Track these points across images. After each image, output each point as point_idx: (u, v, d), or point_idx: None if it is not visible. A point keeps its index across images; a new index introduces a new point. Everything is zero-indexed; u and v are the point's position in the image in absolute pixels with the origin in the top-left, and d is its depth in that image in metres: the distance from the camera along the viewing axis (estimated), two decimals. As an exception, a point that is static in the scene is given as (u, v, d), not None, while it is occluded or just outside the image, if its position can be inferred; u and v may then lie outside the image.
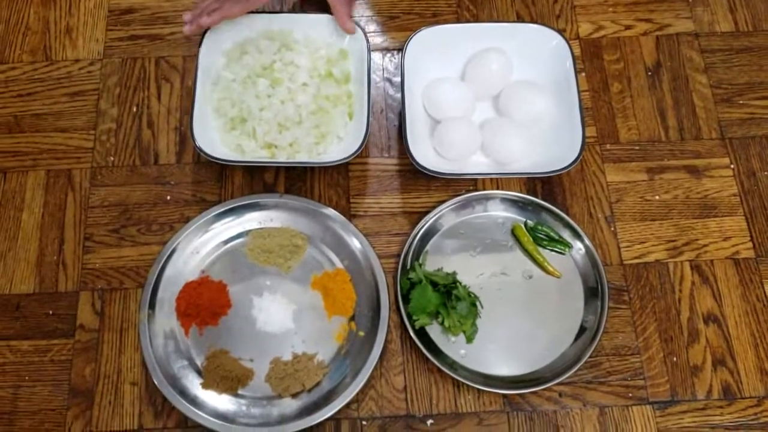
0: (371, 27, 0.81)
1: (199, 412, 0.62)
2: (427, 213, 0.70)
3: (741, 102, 0.78)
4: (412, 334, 0.65)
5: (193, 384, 0.64)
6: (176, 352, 0.65)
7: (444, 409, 0.64)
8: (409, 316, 0.65)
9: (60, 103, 0.77)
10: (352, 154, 0.67)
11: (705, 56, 0.80)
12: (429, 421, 0.64)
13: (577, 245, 0.70)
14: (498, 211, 0.71)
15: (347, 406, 0.63)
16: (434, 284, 0.66)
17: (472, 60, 0.75)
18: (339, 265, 0.69)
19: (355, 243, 0.68)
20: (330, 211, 0.69)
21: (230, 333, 0.66)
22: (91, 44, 0.80)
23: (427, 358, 0.64)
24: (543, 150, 0.71)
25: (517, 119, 0.73)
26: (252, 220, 0.70)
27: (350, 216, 0.71)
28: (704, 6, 0.82)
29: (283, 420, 0.62)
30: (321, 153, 0.71)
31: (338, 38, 0.75)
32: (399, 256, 0.69)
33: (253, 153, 0.70)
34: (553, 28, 0.74)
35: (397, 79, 0.78)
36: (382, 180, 0.74)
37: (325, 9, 0.74)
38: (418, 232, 0.69)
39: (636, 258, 0.70)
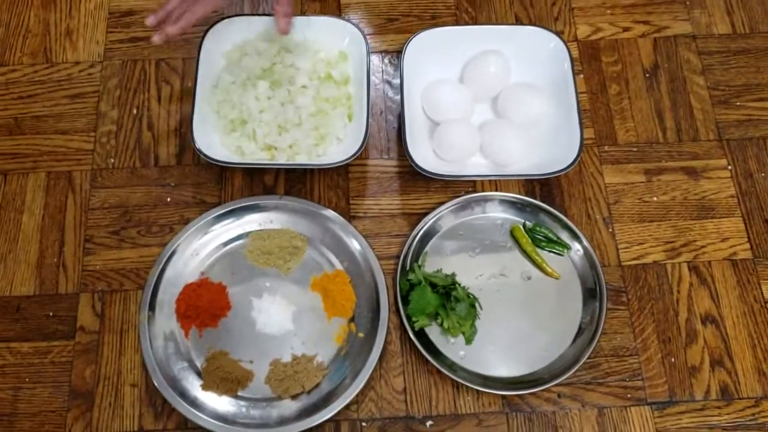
0: (370, 29, 0.81)
1: (199, 414, 0.62)
2: (426, 214, 0.71)
3: (738, 104, 0.78)
4: (411, 335, 0.65)
5: (193, 385, 0.64)
6: (176, 353, 0.65)
7: (443, 410, 0.65)
8: (409, 318, 0.66)
9: (60, 105, 0.77)
10: (352, 156, 0.67)
11: (702, 58, 0.80)
12: (428, 423, 0.64)
13: (576, 246, 0.70)
14: (497, 213, 0.72)
15: (347, 407, 0.63)
16: (433, 285, 0.67)
17: (470, 62, 0.75)
18: (339, 266, 0.69)
19: (355, 244, 0.68)
20: (330, 213, 0.70)
21: (230, 335, 0.66)
22: (92, 46, 0.80)
23: (427, 360, 0.64)
24: (541, 152, 0.72)
25: (516, 121, 0.73)
26: (252, 222, 0.71)
27: (350, 217, 0.72)
28: (702, 8, 0.83)
29: (283, 421, 0.62)
30: (321, 155, 0.71)
31: (338, 40, 0.75)
32: (398, 257, 0.69)
33: (253, 155, 0.71)
34: (551, 30, 0.74)
35: (397, 81, 0.78)
36: (382, 181, 0.74)
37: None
38: (417, 234, 0.69)
39: (634, 259, 0.71)
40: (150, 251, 0.70)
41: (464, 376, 0.64)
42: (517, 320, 0.67)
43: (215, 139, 0.71)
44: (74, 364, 0.66)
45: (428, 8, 0.82)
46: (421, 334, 0.66)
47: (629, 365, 0.66)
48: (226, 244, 0.70)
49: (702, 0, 0.83)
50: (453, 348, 0.66)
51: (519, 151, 0.71)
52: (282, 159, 0.70)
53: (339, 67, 0.75)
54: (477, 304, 0.67)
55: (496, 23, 0.81)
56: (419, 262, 0.69)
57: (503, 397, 0.65)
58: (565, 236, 0.70)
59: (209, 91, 0.73)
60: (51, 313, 0.68)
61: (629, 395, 0.65)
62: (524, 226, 0.71)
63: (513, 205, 0.71)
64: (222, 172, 0.74)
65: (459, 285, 0.67)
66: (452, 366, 0.65)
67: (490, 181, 0.73)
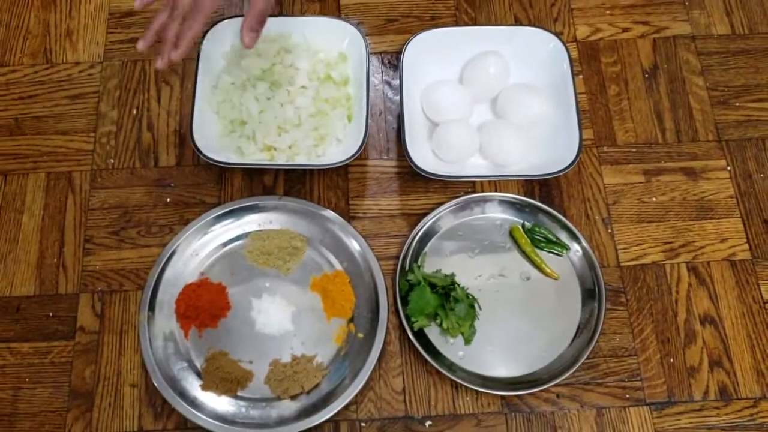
0: (370, 30, 0.81)
1: (199, 414, 0.62)
2: (425, 215, 0.71)
3: (737, 104, 0.78)
4: (410, 335, 0.65)
5: (193, 386, 0.64)
6: (176, 354, 0.65)
7: (442, 410, 0.65)
8: (408, 318, 0.66)
9: (60, 106, 0.77)
10: (351, 157, 0.68)
11: (702, 59, 0.80)
12: (427, 423, 0.64)
13: (575, 247, 0.70)
14: (496, 213, 0.72)
15: (346, 407, 0.63)
16: (433, 286, 0.67)
17: (470, 63, 0.75)
18: (338, 266, 0.69)
19: (354, 245, 0.69)
20: (329, 213, 0.70)
21: (229, 335, 0.66)
22: (92, 47, 0.80)
23: (426, 360, 0.64)
24: (540, 152, 0.72)
25: (515, 122, 0.73)
26: (251, 222, 0.71)
27: (349, 218, 0.72)
28: (701, 9, 0.83)
29: (282, 422, 0.62)
30: (320, 155, 0.71)
31: (337, 41, 0.75)
32: (398, 257, 0.69)
33: (253, 155, 0.71)
34: (550, 31, 0.74)
35: (396, 82, 0.78)
36: (381, 182, 0.74)
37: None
38: (416, 234, 0.70)
39: (633, 260, 0.71)
40: (150, 252, 0.70)
41: (463, 377, 0.64)
42: (516, 321, 0.67)
43: (215, 140, 0.72)
44: (74, 364, 0.66)
45: (428, 9, 0.83)
46: (421, 335, 0.66)
47: (628, 366, 0.67)
48: (225, 244, 0.70)
49: (701, 1, 0.83)
50: (452, 348, 0.66)
51: (518, 152, 0.72)
52: (281, 159, 0.70)
53: (338, 67, 0.75)
54: (476, 305, 0.67)
55: (496, 24, 0.81)
56: (418, 263, 0.69)
57: (502, 397, 0.65)
58: (564, 237, 0.70)
59: (209, 91, 0.73)
60: (51, 314, 0.68)
61: (628, 395, 0.65)
62: (523, 226, 0.71)
63: (512, 205, 0.72)
64: (221, 172, 0.74)
65: (458, 285, 0.67)
66: (451, 366, 0.65)
67: (489, 181, 0.73)
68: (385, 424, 0.64)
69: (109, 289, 0.69)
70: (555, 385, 0.65)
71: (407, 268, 0.68)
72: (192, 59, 0.78)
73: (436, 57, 0.75)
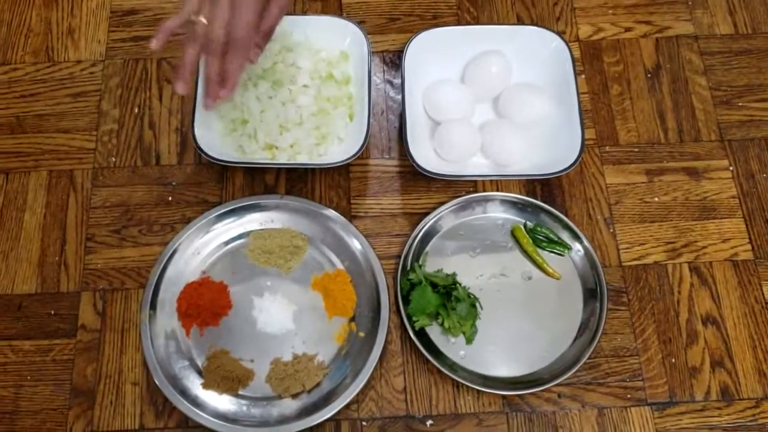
0: (372, 29, 0.81)
1: (200, 413, 0.62)
2: (427, 214, 0.71)
3: (740, 104, 0.78)
4: (412, 335, 0.65)
5: (194, 384, 0.64)
6: (177, 352, 0.65)
7: (443, 409, 0.65)
8: (409, 317, 0.66)
9: (62, 104, 0.77)
10: (353, 156, 0.67)
11: (704, 58, 0.80)
12: (429, 422, 0.64)
13: (576, 247, 0.70)
14: (497, 213, 0.72)
15: (347, 406, 0.63)
16: (434, 285, 0.67)
17: (472, 62, 0.75)
18: (339, 266, 0.69)
19: (356, 244, 0.69)
20: (330, 212, 0.70)
21: (231, 333, 0.66)
22: (93, 45, 0.80)
23: (427, 359, 0.64)
24: (542, 152, 0.72)
25: (517, 121, 0.73)
26: (253, 221, 0.71)
27: (351, 217, 0.72)
28: (704, 8, 0.83)
29: (284, 420, 0.62)
30: (322, 154, 0.71)
31: (339, 40, 0.75)
32: (399, 257, 0.69)
33: (254, 154, 0.71)
34: (552, 31, 0.74)
35: (398, 81, 0.78)
36: (383, 181, 0.74)
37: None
38: (418, 234, 0.69)
39: (635, 260, 0.71)
40: (151, 250, 0.70)
41: (464, 376, 0.64)
42: (517, 320, 0.67)
43: (216, 139, 0.72)
44: (75, 362, 0.66)
45: (430, 8, 0.82)
46: (422, 334, 0.66)
47: (629, 366, 0.66)
48: (227, 243, 0.70)
49: (704, 0, 0.83)
50: (453, 348, 0.66)
51: (520, 152, 0.71)
52: (283, 158, 0.70)
53: (340, 66, 0.75)
54: (477, 304, 0.67)
55: (498, 23, 0.81)
56: (420, 262, 0.69)
57: (503, 396, 0.65)
58: (565, 236, 0.70)
59: (211, 90, 0.73)
60: (52, 312, 0.68)
61: (629, 396, 0.65)
62: (525, 226, 0.71)
63: (514, 205, 0.71)
64: (223, 171, 0.74)
65: (459, 285, 0.67)
66: (452, 366, 0.65)
67: (491, 181, 0.73)
68: (386, 423, 0.64)
69: (110, 287, 0.69)
70: (556, 385, 0.64)
71: (409, 267, 0.68)
72: (194, 58, 0.78)
73: (438, 56, 0.75)
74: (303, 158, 0.70)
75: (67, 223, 0.72)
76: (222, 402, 0.64)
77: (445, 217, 0.71)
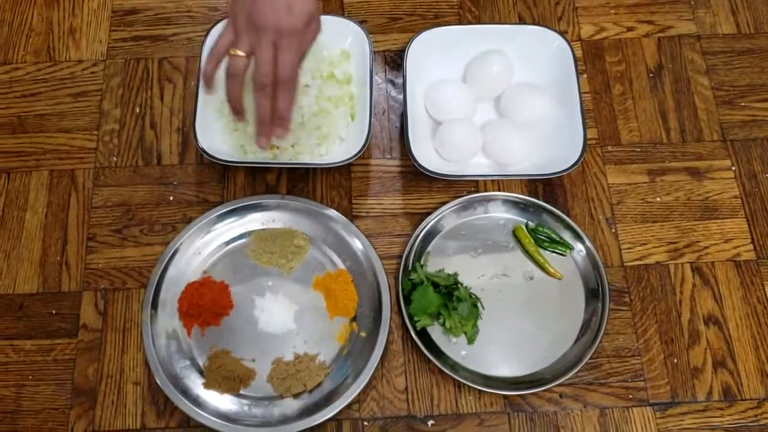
0: (373, 28, 0.81)
1: (202, 412, 0.62)
2: (428, 214, 0.71)
3: (742, 104, 0.78)
4: (413, 335, 0.65)
5: (196, 384, 0.64)
6: (178, 352, 0.65)
7: (445, 409, 0.65)
8: (411, 317, 0.66)
9: (63, 104, 0.77)
10: (354, 156, 0.67)
11: (707, 58, 0.80)
12: (430, 422, 0.64)
13: (578, 247, 0.70)
14: (499, 213, 0.72)
15: (348, 406, 0.63)
16: (435, 285, 0.66)
17: (473, 62, 0.75)
18: (341, 265, 0.69)
19: (357, 244, 0.68)
20: (332, 212, 0.70)
21: (232, 333, 0.66)
22: (95, 45, 0.80)
23: (429, 359, 0.64)
24: (544, 152, 0.72)
25: (519, 121, 0.73)
26: (254, 221, 0.71)
27: (352, 217, 0.72)
28: (706, 8, 0.83)
29: (285, 420, 0.62)
30: (323, 154, 0.71)
31: (340, 39, 0.75)
32: (400, 257, 0.69)
33: (256, 154, 0.71)
34: (554, 30, 0.74)
35: (399, 81, 0.78)
36: (384, 181, 0.74)
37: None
38: (419, 234, 0.69)
39: (637, 260, 0.71)
40: (152, 250, 0.70)
41: (466, 376, 0.64)
42: (519, 320, 0.67)
43: (218, 138, 0.71)
44: (77, 362, 0.66)
45: (431, 7, 0.82)
46: (423, 334, 0.66)
47: (631, 366, 0.66)
48: (228, 243, 0.70)
49: (706, 0, 0.83)
50: (455, 348, 0.66)
51: (522, 151, 0.71)
52: (284, 158, 0.70)
53: (342, 66, 0.74)
54: (479, 304, 0.67)
55: (500, 23, 0.81)
56: (421, 262, 0.68)
57: (505, 397, 0.65)
58: (567, 236, 0.70)
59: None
60: (54, 311, 0.68)
61: (631, 396, 0.65)
62: (527, 226, 0.71)
63: (515, 205, 0.71)
64: (224, 171, 0.74)
65: (461, 285, 0.67)
66: (454, 366, 0.65)
67: (492, 180, 0.73)
68: (388, 423, 0.64)
69: (111, 287, 0.69)
70: (558, 385, 0.64)
71: (410, 267, 0.68)
72: (195, 57, 0.78)
73: (440, 56, 0.74)
74: (304, 158, 0.70)
75: (68, 223, 0.72)
76: (223, 402, 0.64)
77: (447, 217, 0.71)
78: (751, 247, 0.71)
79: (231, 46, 0.57)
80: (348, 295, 0.67)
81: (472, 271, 0.69)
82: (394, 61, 0.79)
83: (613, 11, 0.82)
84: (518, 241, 0.70)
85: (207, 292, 0.67)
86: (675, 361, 0.67)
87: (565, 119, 0.71)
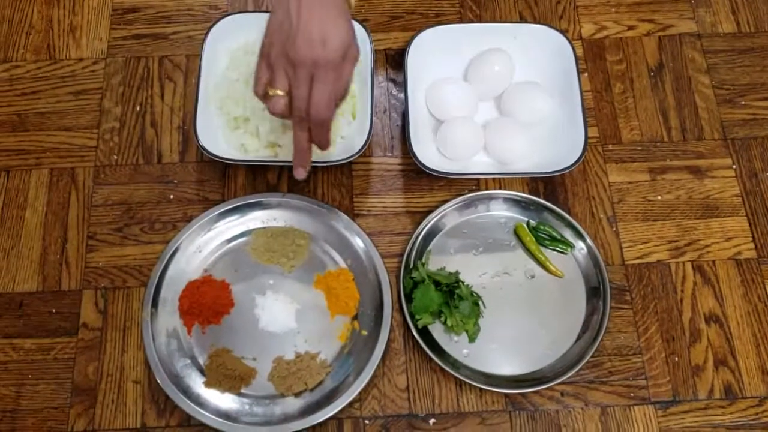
0: (374, 27, 0.81)
1: (202, 411, 0.62)
2: (430, 212, 0.70)
3: (743, 103, 0.78)
4: (414, 333, 0.65)
5: (196, 383, 0.64)
6: (179, 350, 0.65)
7: (446, 408, 0.65)
8: (412, 316, 0.65)
9: (63, 102, 0.77)
10: (356, 154, 0.67)
11: (707, 57, 0.80)
12: (431, 420, 0.64)
13: (579, 245, 0.70)
14: (500, 211, 0.72)
15: (350, 405, 0.63)
16: (437, 284, 0.66)
17: (474, 60, 0.75)
18: (342, 264, 0.69)
19: (359, 242, 0.68)
20: (333, 211, 0.69)
21: (233, 332, 0.66)
22: (95, 43, 0.80)
23: (430, 358, 0.64)
24: (545, 150, 0.72)
25: (520, 119, 0.73)
26: (255, 219, 0.70)
27: (353, 215, 0.71)
28: (707, 7, 0.83)
29: (286, 419, 0.62)
30: (324, 152, 0.71)
31: (341, 38, 0.75)
32: (402, 255, 0.69)
33: (257, 152, 0.71)
34: (555, 29, 0.74)
35: (400, 79, 0.78)
36: (386, 179, 0.74)
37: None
38: (421, 232, 0.69)
39: (638, 258, 0.71)
40: (153, 248, 0.70)
41: (467, 374, 0.64)
42: (520, 318, 0.67)
43: (218, 136, 0.71)
44: (77, 360, 0.66)
45: (432, 6, 0.82)
46: (425, 332, 0.66)
47: (633, 364, 0.66)
48: (229, 241, 0.70)
49: (707, -1, 0.83)
50: (456, 346, 0.66)
51: (523, 150, 0.71)
52: (285, 156, 0.70)
53: (343, 64, 0.74)
54: (480, 303, 0.67)
55: (501, 21, 0.81)
56: (423, 260, 0.68)
57: (506, 395, 0.65)
58: (568, 235, 0.70)
59: (212, 88, 0.73)
60: (54, 310, 0.68)
61: (632, 394, 0.65)
62: (528, 224, 0.71)
63: (517, 203, 0.71)
64: (225, 169, 0.74)
65: (462, 283, 0.67)
66: (455, 364, 0.65)
67: (493, 179, 0.73)
68: (389, 422, 0.64)
69: (112, 285, 0.69)
70: (559, 384, 0.64)
71: (411, 265, 0.68)
72: (196, 55, 0.78)
73: (441, 54, 0.74)
74: (305, 156, 0.70)
75: (68, 221, 0.72)
76: (224, 400, 0.63)
77: (448, 215, 0.71)
78: (752, 245, 0.71)
79: (269, 83, 0.57)
80: (349, 294, 0.67)
81: (474, 270, 0.69)
82: (395, 60, 0.79)
83: (613, 10, 0.82)
84: (519, 239, 0.70)
85: (208, 291, 0.67)
86: (676, 359, 0.67)
87: (566, 118, 0.71)
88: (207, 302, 0.66)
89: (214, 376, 0.64)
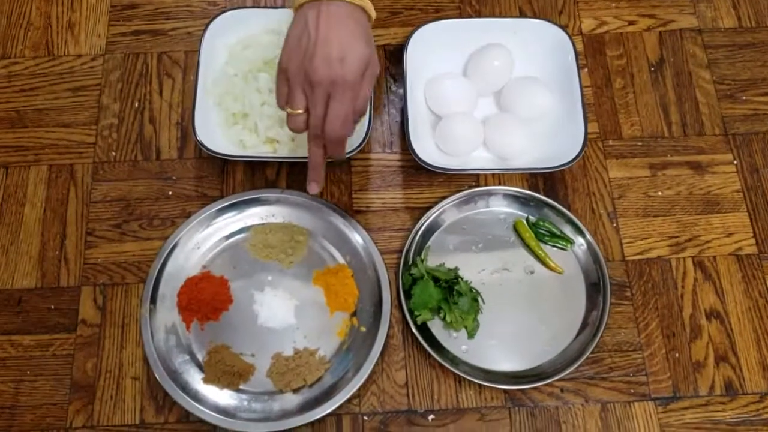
0: (373, 22, 0.80)
1: (201, 407, 0.62)
2: (429, 209, 0.70)
3: (744, 98, 0.77)
4: (413, 329, 0.65)
5: (195, 379, 0.64)
6: (177, 347, 0.65)
7: (445, 404, 0.64)
8: (411, 312, 0.65)
9: (62, 99, 0.77)
10: (355, 150, 0.67)
11: (708, 52, 0.80)
12: (430, 417, 0.64)
13: (579, 241, 0.69)
14: (500, 207, 0.71)
15: (349, 401, 0.63)
16: (436, 280, 0.66)
17: (474, 56, 0.75)
18: (341, 260, 0.68)
19: (357, 238, 0.68)
20: (332, 207, 0.69)
21: (231, 328, 0.66)
22: (93, 39, 0.80)
23: (429, 354, 0.64)
24: (545, 146, 0.71)
25: (520, 115, 0.73)
26: (254, 216, 0.70)
27: (352, 211, 0.71)
28: (707, 2, 0.82)
29: (285, 415, 0.62)
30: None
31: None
32: (401, 251, 0.69)
33: (255, 148, 0.70)
34: (555, 24, 0.74)
35: (400, 75, 0.77)
36: (385, 175, 0.73)
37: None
38: (420, 228, 0.69)
39: (638, 254, 0.70)
40: (151, 244, 0.70)
41: (466, 371, 0.64)
42: (519, 315, 0.67)
43: (217, 132, 0.71)
44: (76, 357, 0.66)
45: (432, 1, 0.82)
46: (424, 329, 0.66)
47: (633, 360, 0.66)
48: (227, 237, 0.70)
49: (708, -6, 0.83)
50: (455, 342, 0.66)
51: (522, 145, 0.71)
52: (284, 152, 0.70)
53: (342, 60, 0.74)
54: (480, 299, 0.67)
55: (500, 16, 0.80)
56: (422, 257, 0.68)
57: (506, 391, 0.65)
58: (568, 231, 0.70)
59: (211, 83, 0.72)
60: (52, 306, 0.68)
61: (633, 390, 0.65)
62: (527, 220, 0.71)
63: (516, 199, 0.71)
64: (224, 165, 0.74)
65: (462, 279, 0.66)
66: (454, 360, 0.65)
67: (493, 175, 0.73)
68: (388, 418, 0.64)
69: (110, 281, 0.69)
70: (559, 380, 0.64)
71: (410, 261, 0.68)
72: (194, 51, 0.78)
73: (440, 50, 0.74)
74: (304, 152, 0.69)
75: (67, 218, 0.71)
76: (223, 397, 0.63)
77: (448, 211, 0.70)
78: (752, 241, 0.71)
79: (287, 101, 0.57)
80: (348, 290, 0.67)
81: (473, 266, 0.69)
82: (394, 55, 0.79)
83: (614, 5, 0.82)
84: (519, 235, 0.70)
85: (206, 287, 0.67)
86: (677, 355, 0.66)
87: (566, 113, 0.71)
88: (206, 298, 0.66)
89: (213, 372, 0.64)
